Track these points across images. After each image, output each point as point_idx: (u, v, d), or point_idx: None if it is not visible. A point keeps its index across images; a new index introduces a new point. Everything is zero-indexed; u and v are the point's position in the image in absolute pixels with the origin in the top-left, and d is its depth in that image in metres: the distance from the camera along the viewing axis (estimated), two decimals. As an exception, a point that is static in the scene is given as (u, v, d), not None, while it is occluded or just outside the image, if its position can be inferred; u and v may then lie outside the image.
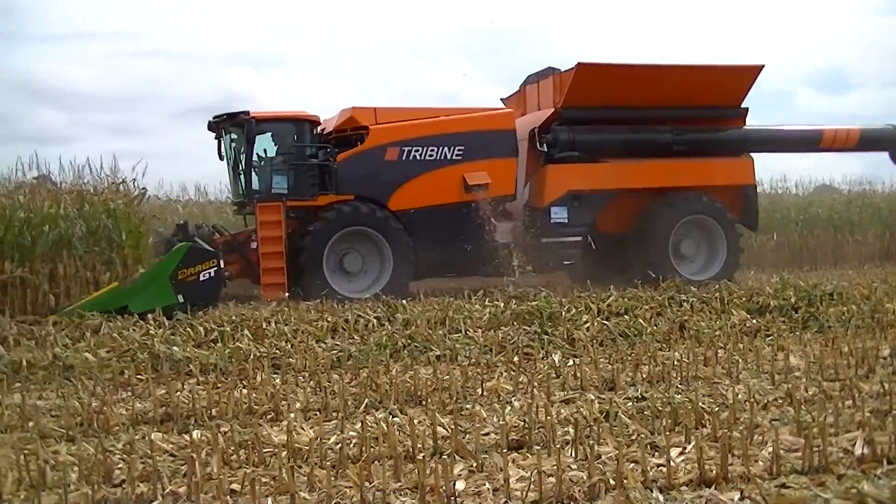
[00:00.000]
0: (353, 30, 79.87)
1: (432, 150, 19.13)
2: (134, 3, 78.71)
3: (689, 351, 10.03)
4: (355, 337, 12.25)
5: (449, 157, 19.21)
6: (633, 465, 5.72)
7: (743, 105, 21.19)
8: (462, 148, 19.29)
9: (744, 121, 21.39)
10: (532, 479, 5.39)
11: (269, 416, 7.80)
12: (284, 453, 6.30)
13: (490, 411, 7.62)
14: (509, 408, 7.72)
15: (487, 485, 5.55)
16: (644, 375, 9.20)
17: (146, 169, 19.04)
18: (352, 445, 6.52)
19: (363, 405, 8.03)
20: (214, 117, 19.15)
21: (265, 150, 19.07)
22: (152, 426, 7.61)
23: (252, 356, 10.65)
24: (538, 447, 6.31)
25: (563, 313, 13.20)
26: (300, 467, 5.98)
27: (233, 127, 18.98)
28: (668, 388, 8.48)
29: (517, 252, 19.17)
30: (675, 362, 9.53)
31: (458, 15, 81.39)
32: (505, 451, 6.13)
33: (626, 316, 13.37)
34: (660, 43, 76.93)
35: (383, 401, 8.22)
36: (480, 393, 8.54)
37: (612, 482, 5.41)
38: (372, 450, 6.26)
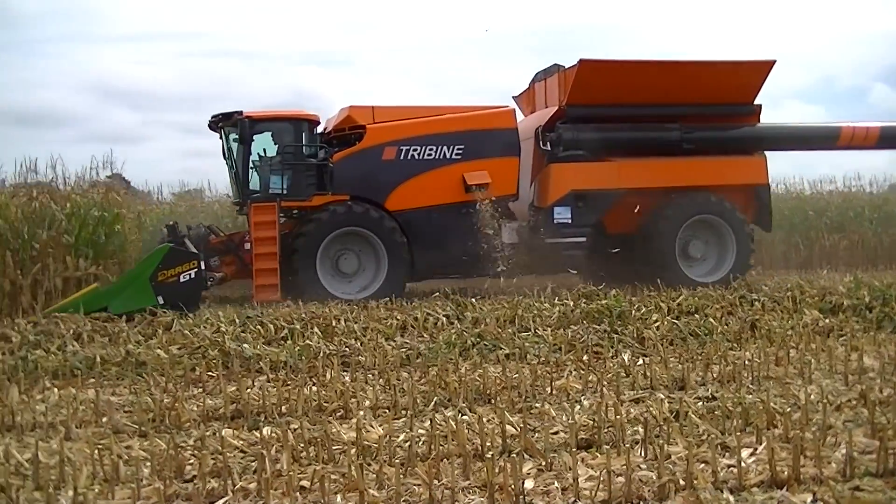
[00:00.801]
0: (420, 28, 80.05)
1: (431, 150, 18.93)
2: (205, 4, 79.51)
3: (761, 350, 9.95)
4: (424, 335, 12.27)
5: (448, 156, 19.03)
6: (703, 465, 5.69)
7: (756, 101, 20.79)
8: (462, 147, 19.09)
9: (758, 118, 20.95)
10: (601, 479, 5.37)
11: (338, 414, 7.84)
12: (354, 450, 6.33)
13: (559, 410, 7.60)
14: (578, 406, 7.70)
15: (556, 484, 5.54)
16: (714, 375, 9.13)
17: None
18: (421, 443, 6.53)
19: (432, 403, 8.05)
20: (213, 117, 19.12)
21: (265, 150, 18.97)
22: (223, 423, 7.67)
23: (322, 354, 10.69)
24: (607, 446, 6.30)
25: (633, 312, 13.14)
26: (369, 465, 6.01)
27: (230, 127, 18.90)
28: (739, 388, 8.40)
29: (519, 253, 18.98)
30: (747, 362, 9.44)
31: (527, 11, 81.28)
32: (574, 450, 6.11)
33: (696, 315, 13.28)
34: (731, 39, 76.28)
35: (452, 399, 8.23)
36: (549, 391, 8.53)
37: (681, 482, 5.39)
38: (441, 448, 6.26)
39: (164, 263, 15.89)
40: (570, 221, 19.32)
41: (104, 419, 7.75)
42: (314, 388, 8.66)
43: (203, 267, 16.39)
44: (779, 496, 5.24)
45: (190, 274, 15.98)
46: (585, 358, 10.14)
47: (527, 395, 8.34)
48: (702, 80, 19.81)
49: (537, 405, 7.85)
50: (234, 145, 18.97)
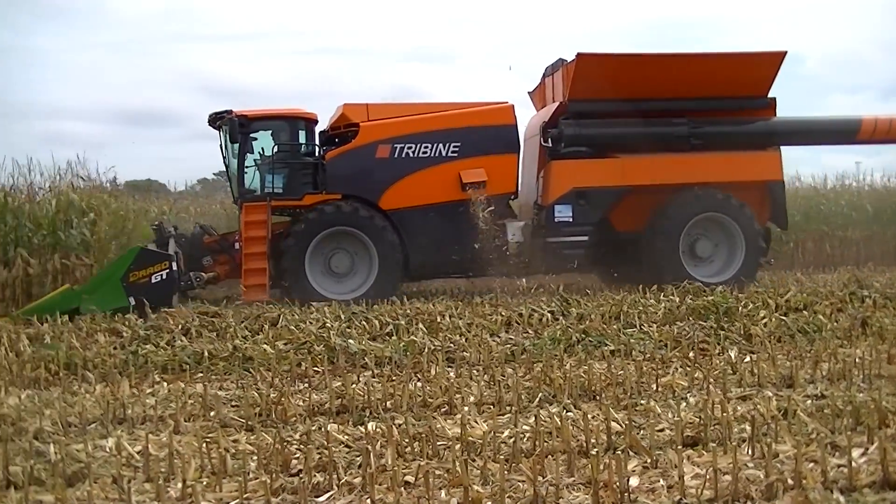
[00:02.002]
0: (523, 24, 79.92)
1: (426, 147, 18.50)
2: (310, 2, 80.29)
3: (872, 348, 9.76)
4: (529, 331, 12.25)
5: (444, 153, 18.58)
6: (812, 464, 5.59)
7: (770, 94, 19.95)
8: (458, 144, 18.61)
9: (773, 111, 20.05)
10: (707, 477, 5.31)
11: (443, 409, 7.85)
12: (458, 446, 6.33)
13: (665, 407, 7.54)
14: (684, 404, 7.64)
15: (661, 481, 5.50)
16: (824, 373, 8.98)
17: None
18: (525, 439, 6.52)
19: (537, 399, 8.03)
20: (211, 115, 18.97)
21: (262, 149, 18.78)
22: (328, 417, 7.74)
23: (427, 349, 10.72)
24: (714, 444, 6.21)
25: (740, 308, 12.99)
26: (473, 460, 6.01)
27: (224, 125, 18.75)
28: (850, 387, 8.26)
29: (523, 252, 18.67)
30: (857, 360, 9.25)
31: (632, 7, 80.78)
32: (680, 447, 6.05)
33: (804, 312, 13.08)
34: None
35: (557, 395, 8.20)
36: (655, 388, 8.47)
37: (790, 482, 5.31)
38: (545, 444, 6.24)
39: (136, 264, 16.05)
40: (571, 220, 18.79)
41: (212, 413, 7.87)
42: (419, 384, 8.70)
43: (175, 268, 16.39)
44: (892, 497, 5.16)
45: (161, 275, 16.08)
46: (691, 355, 10.05)
47: (632, 392, 8.29)
48: (709, 73, 19.10)
49: (642, 402, 7.79)
50: (227, 144, 18.86)
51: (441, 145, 18.52)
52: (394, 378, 9.23)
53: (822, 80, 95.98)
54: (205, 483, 5.76)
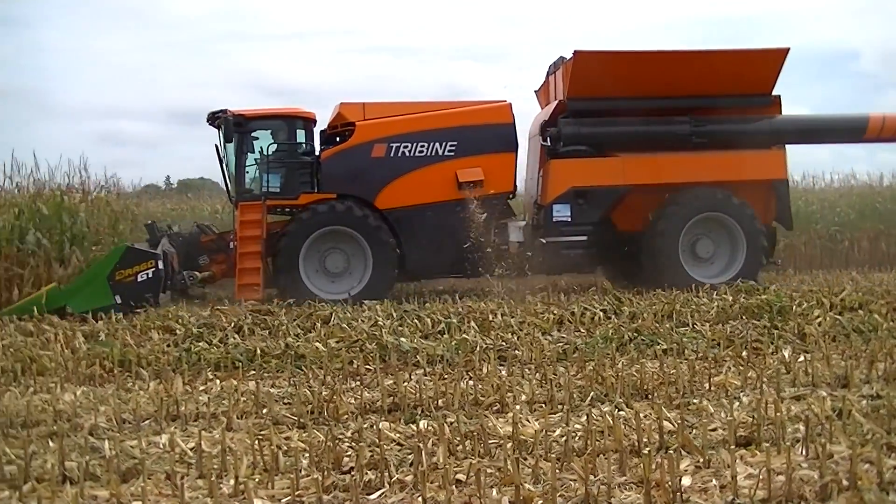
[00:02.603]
0: (576, 21, 79.71)
1: (422, 146, 18.38)
2: (360, 2, 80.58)
3: (929, 348, 9.65)
4: (581, 330, 12.22)
5: (440, 153, 18.44)
6: (867, 465, 5.54)
7: (774, 92, 19.52)
8: (455, 143, 18.48)
9: (779, 109, 19.64)
10: (760, 477, 5.28)
11: (494, 408, 7.84)
12: (510, 445, 6.33)
13: (717, 406, 7.50)
14: (737, 403, 7.58)
15: (714, 481, 5.46)
16: (880, 373, 8.87)
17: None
18: (577, 438, 6.50)
19: (589, 398, 8.01)
20: (209, 114, 18.88)
21: (261, 149, 18.73)
22: (380, 415, 7.74)
23: (478, 348, 10.72)
24: (767, 444, 6.17)
25: (794, 307, 12.89)
26: (525, 459, 6.00)
27: (220, 125, 18.74)
28: (906, 387, 8.18)
29: (524, 252, 18.38)
30: (914, 360, 9.16)
31: (683, 3, 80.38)
32: (733, 447, 6.00)
33: (860, 311, 12.96)
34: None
35: (609, 394, 8.17)
36: (708, 388, 8.42)
37: (844, 483, 5.26)
38: (597, 443, 6.23)
39: (122, 263, 16.10)
40: (569, 220, 18.56)
41: (264, 410, 7.90)
42: (471, 382, 8.70)
43: (161, 266, 16.41)
44: (948, 498, 5.09)
45: (147, 273, 16.12)
46: (745, 354, 9.98)
47: (684, 391, 8.25)
48: (711, 70, 18.77)
49: (695, 401, 7.75)
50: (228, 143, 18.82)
51: (438, 144, 18.43)
52: (445, 376, 9.25)
53: (877, 77, 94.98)
54: (257, 480, 5.80)
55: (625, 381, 8.44)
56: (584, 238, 18.51)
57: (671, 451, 5.97)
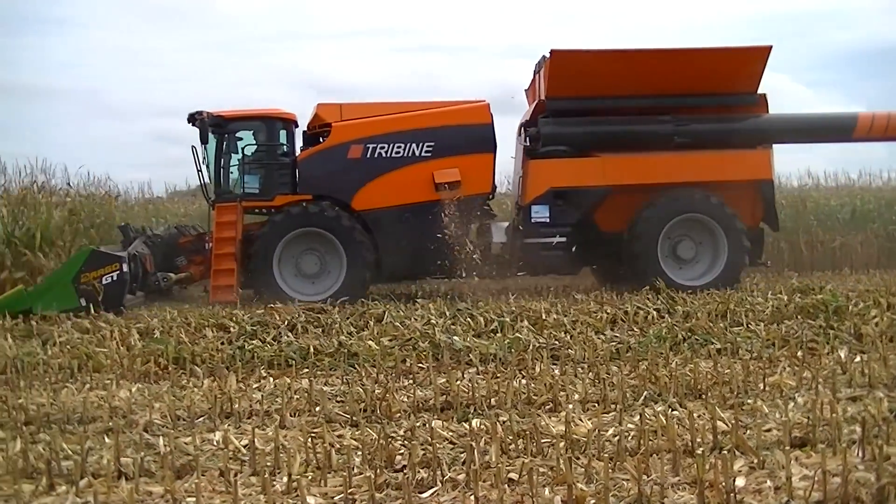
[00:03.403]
0: (632, 17, 79.38)
1: (399, 147, 18.27)
2: (414, 1, 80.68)
3: None
4: (634, 329, 12.18)
5: (417, 153, 18.32)
6: (926, 468, 5.47)
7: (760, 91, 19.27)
8: (432, 144, 18.36)
9: (766, 108, 19.41)
10: (815, 479, 5.22)
11: (547, 407, 7.83)
12: (562, 444, 6.31)
13: (772, 407, 7.43)
14: (792, 404, 7.51)
15: (769, 482, 5.41)
16: (938, 373, 8.78)
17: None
18: (630, 438, 6.47)
19: (642, 397, 7.97)
20: (190, 114, 18.75)
21: (241, 150, 18.73)
22: (432, 414, 7.74)
23: (531, 346, 10.70)
24: (822, 445, 6.11)
25: (850, 307, 12.77)
26: (578, 458, 5.99)
27: (204, 125, 18.64)
28: (967, 388, 8.08)
29: (506, 253, 18.48)
30: (973, 360, 9.04)
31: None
32: (787, 448, 5.94)
33: (919, 310, 12.80)
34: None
35: (662, 393, 8.14)
36: (762, 388, 8.35)
37: (902, 485, 5.19)
38: (650, 443, 6.20)
39: (87, 265, 16.18)
40: (548, 220, 18.46)
41: (317, 408, 7.93)
42: (523, 381, 8.68)
43: (125, 269, 16.44)
44: None
45: (112, 276, 16.17)
46: (800, 354, 9.88)
47: (738, 391, 8.19)
48: (692, 69, 18.48)
49: (749, 401, 7.69)
50: (209, 144, 18.74)
51: (414, 145, 18.34)
52: (498, 375, 9.24)
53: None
54: (310, 477, 5.82)
55: (678, 380, 8.40)
56: (563, 239, 18.42)
57: (725, 452, 5.92)
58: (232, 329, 12.62)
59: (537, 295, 16.52)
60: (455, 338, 11.19)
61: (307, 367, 10.20)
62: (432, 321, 12.69)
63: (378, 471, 5.82)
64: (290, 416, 7.76)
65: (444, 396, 8.18)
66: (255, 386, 9.17)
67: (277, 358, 10.59)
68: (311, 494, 5.45)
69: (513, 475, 5.67)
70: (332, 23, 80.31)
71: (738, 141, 19.01)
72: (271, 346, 11.38)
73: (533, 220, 18.46)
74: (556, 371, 9.37)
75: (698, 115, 18.88)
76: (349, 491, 5.43)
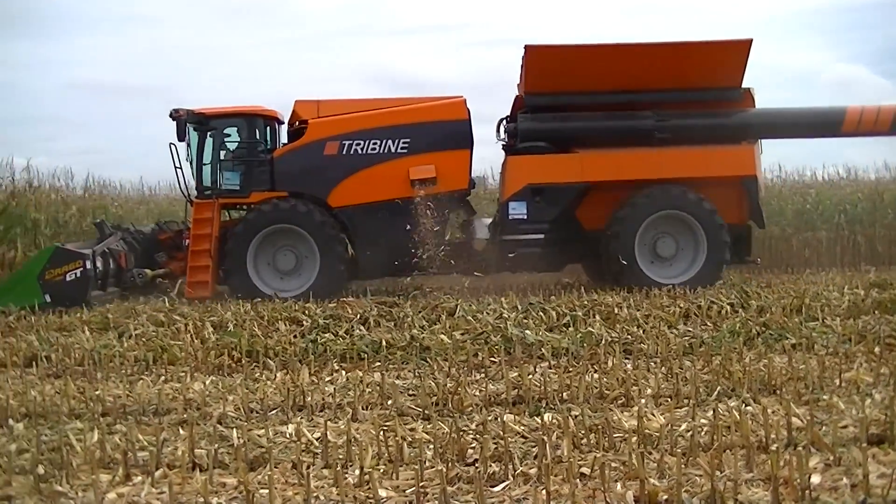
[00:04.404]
0: (708, 11, 78.66)
1: (375, 144, 18.20)
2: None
3: None
4: (708, 323, 12.09)
5: (393, 150, 18.26)
6: None
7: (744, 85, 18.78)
8: (408, 140, 18.30)
9: (751, 103, 18.97)
10: (894, 477, 5.15)
11: (619, 401, 7.80)
12: (634, 439, 6.28)
13: (848, 403, 7.33)
14: (869, 400, 7.40)
15: (845, 480, 5.34)
16: None
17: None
18: (703, 433, 6.42)
19: (715, 393, 7.92)
20: (172, 111, 18.60)
21: (221, 146, 18.78)
22: (504, 408, 7.74)
23: (604, 341, 10.66)
24: (901, 443, 6.03)
25: (930, 302, 12.59)
26: (650, 453, 5.95)
27: (181, 122, 18.60)
28: None
29: (479, 250, 18.31)
30: None
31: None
32: (864, 445, 5.86)
33: None
34: None
35: (736, 389, 8.07)
36: (838, 384, 8.25)
37: (984, 483, 5.11)
38: (723, 438, 6.15)
39: (52, 263, 16.59)
40: (525, 217, 18.23)
41: (389, 402, 7.95)
42: (595, 376, 8.64)
43: (89, 266, 16.70)
44: None
45: (76, 273, 16.51)
46: (877, 350, 9.74)
47: (814, 387, 8.09)
48: (671, 63, 18.09)
49: (825, 397, 7.60)
50: (190, 141, 18.79)
51: (390, 141, 18.28)
52: (570, 369, 9.23)
53: None
54: (381, 470, 5.84)
55: (752, 375, 8.32)
56: (541, 236, 18.24)
57: (800, 448, 5.85)
58: (305, 322, 12.71)
59: (610, 289, 16.40)
60: (527, 332, 11.17)
61: (379, 361, 10.24)
62: (504, 315, 12.69)
63: (450, 464, 5.83)
64: (363, 409, 7.79)
65: (516, 390, 8.17)
66: (327, 379, 9.22)
67: (350, 351, 10.65)
68: (382, 487, 5.47)
69: (584, 470, 5.64)
70: (403, 18, 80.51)
71: (720, 136, 18.65)
72: (344, 339, 11.43)
73: (510, 217, 18.34)
74: (629, 365, 9.33)
75: (679, 111, 18.59)
76: (421, 484, 5.44)
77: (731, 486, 5.18)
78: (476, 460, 5.97)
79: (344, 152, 18.26)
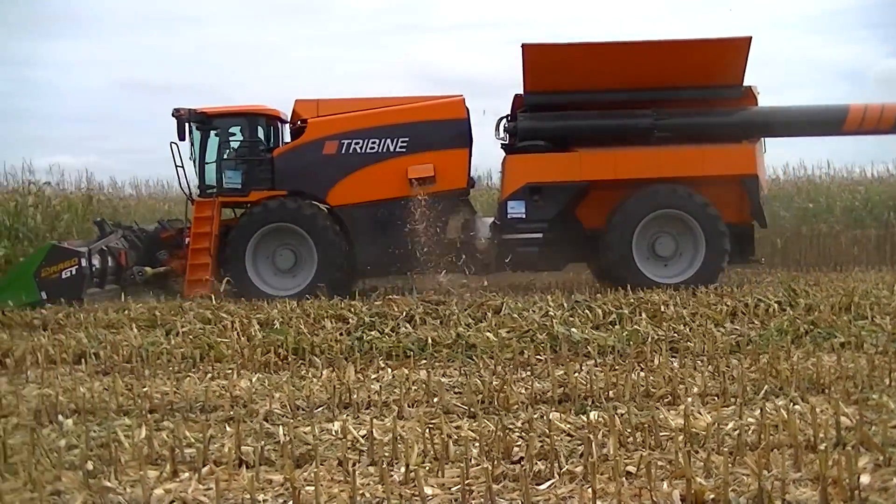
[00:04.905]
0: (757, 8, 78.10)
1: (374, 143, 18.25)
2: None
3: None
4: (755, 322, 12.02)
5: (392, 149, 18.33)
6: None
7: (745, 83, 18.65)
8: (406, 139, 18.36)
9: (753, 101, 18.83)
10: (944, 477, 5.10)
11: (666, 400, 7.76)
12: (681, 437, 6.25)
13: (899, 403, 7.27)
14: (919, 400, 7.34)
15: (895, 480, 5.29)
16: None
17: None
18: (750, 432, 6.38)
19: (762, 391, 7.86)
20: (174, 110, 18.76)
21: (222, 145, 18.87)
22: (550, 406, 7.72)
23: (650, 339, 10.61)
24: (951, 443, 5.97)
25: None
26: (697, 452, 5.92)
27: (186, 122, 18.75)
28: None
29: (481, 249, 18.26)
30: None
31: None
32: (915, 445, 5.82)
33: None
34: None
35: (783, 388, 8.02)
36: (888, 383, 8.16)
37: None
38: (771, 437, 6.12)
39: (48, 260, 16.80)
40: (523, 216, 18.26)
41: (435, 399, 7.96)
42: (642, 374, 8.61)
43: (84, 264, 16.88)
44: None
45: (71, 270, 16.71)
46: (928, 348, 9.65)
47: (863, 386, 8.01)
48: (671, 61, 17.97)
49: (874, 397, 7.53)
50: (193, 140, 18.91)
51: (389, 140, 18.37)
52: (616, 367, 9.20)
53: None
54: (427, 468, 5.84)
55: (800, 374, 8.27)
56: (540, 235, 18.23)
57: (849, 448, 5.80)
58: (350, 320, 12.73)
59: (654, 288, 16.33)
60: (573, 330, 11.14)
61: (425, 359, 10.25)
62: (550, 313, 12.66)
63: (495, 462, 5.83)
64: (408, 406, 7.80)
65: (562, 388, 8.16)
66: (373, 377, 9.24)
67: (396, 349, 10.67)
68: (428, 485, 5.47)
69: (630, 468, 5.62)
70: (451, 16, 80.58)
71: (720, 135, 18.56)
72: (389, 337, 11.44)
73: (509, 216, 18.38)
74: (675, 364, 9.30)
75: (679, 109, 18.50)
76: (466, 482, 5.43)
77: (779, 485, 5.14)
78: (521, 458, 5.96)
79: (343, 151, 18.44)
